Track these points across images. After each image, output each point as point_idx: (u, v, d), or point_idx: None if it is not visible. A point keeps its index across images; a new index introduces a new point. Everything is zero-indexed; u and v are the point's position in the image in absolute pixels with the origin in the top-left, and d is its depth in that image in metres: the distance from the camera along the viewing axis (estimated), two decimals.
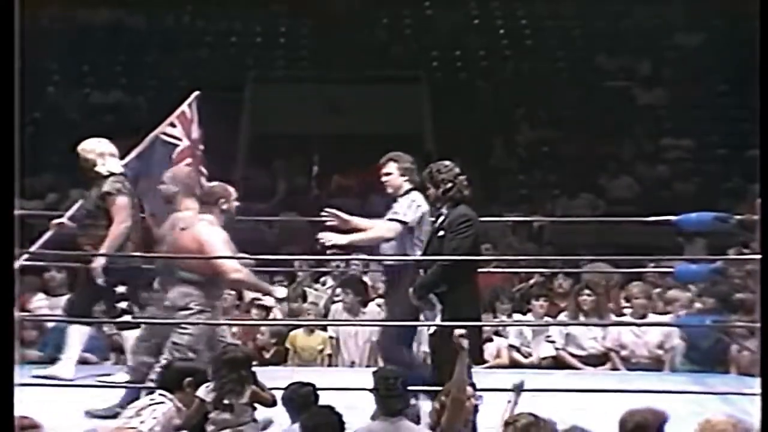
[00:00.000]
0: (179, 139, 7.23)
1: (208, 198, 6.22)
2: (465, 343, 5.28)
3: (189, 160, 7.12)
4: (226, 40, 17.61)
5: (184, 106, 7.34)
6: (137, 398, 5.58)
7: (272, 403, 5.45)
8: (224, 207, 6.18)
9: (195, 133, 7.29)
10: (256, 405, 5.38)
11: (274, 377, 6.85)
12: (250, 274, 6.21)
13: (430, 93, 16.44)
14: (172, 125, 7.27)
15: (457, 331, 5.35)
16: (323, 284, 9.62)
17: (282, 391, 5.43)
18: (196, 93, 7.40)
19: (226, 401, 5.22)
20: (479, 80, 17.03)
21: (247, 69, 16.71)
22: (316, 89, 15.97)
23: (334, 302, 8.82)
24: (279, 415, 5.50)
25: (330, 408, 4.99)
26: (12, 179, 4.03)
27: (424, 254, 6.11)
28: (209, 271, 5.99)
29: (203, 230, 6.06)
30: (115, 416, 5.71)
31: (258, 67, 16.81)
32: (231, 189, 6.27)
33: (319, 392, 5.43)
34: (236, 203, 6.24)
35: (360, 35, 17.51)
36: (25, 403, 5.38)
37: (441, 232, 5.98)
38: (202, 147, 7.31)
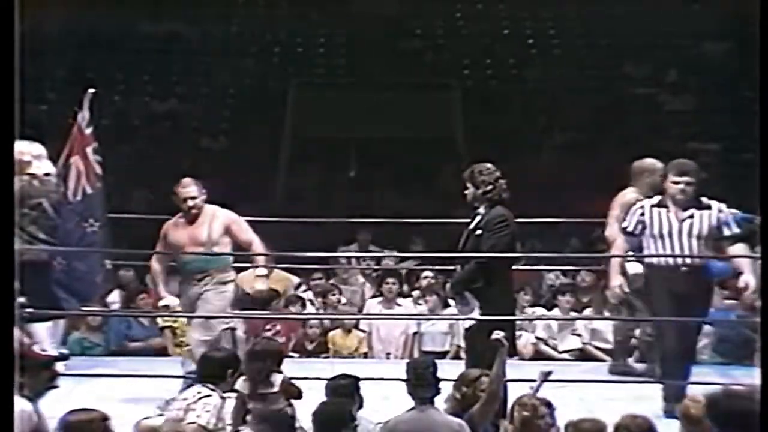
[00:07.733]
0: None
1: None
2: (504, 341, 5.34)
3: (93, 144, 7.01)
4: (270, 50, 17.77)
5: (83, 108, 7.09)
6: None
7: (298, 396, 5.50)
8: None
9: (89, 129, 7.06)
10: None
11: (314, 369, 7.06)
12: None
13: (462, 99, 16.52)
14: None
15: (497, 330, 5.42)
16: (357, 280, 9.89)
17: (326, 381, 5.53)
18: (91, 91, 7.11)
19: (259, 392, 5.36)
20: (509, 87, 17.11)
21: (289, 76, 16.92)
22: (353, 95, 16.13)
23: (374, 297, 9.17)
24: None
25: (341, 401, 5.07)
26: (11, 179, 4.00)
27: (461, 251, 6.24)
28: None
29: None
30: None
31: (299, 74, 17.00)
32: None
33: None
34: None
35: (395, 44, 17.66)
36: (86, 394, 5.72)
37: (478, 231, 6.11)
38: (95, 144, 7.08)
